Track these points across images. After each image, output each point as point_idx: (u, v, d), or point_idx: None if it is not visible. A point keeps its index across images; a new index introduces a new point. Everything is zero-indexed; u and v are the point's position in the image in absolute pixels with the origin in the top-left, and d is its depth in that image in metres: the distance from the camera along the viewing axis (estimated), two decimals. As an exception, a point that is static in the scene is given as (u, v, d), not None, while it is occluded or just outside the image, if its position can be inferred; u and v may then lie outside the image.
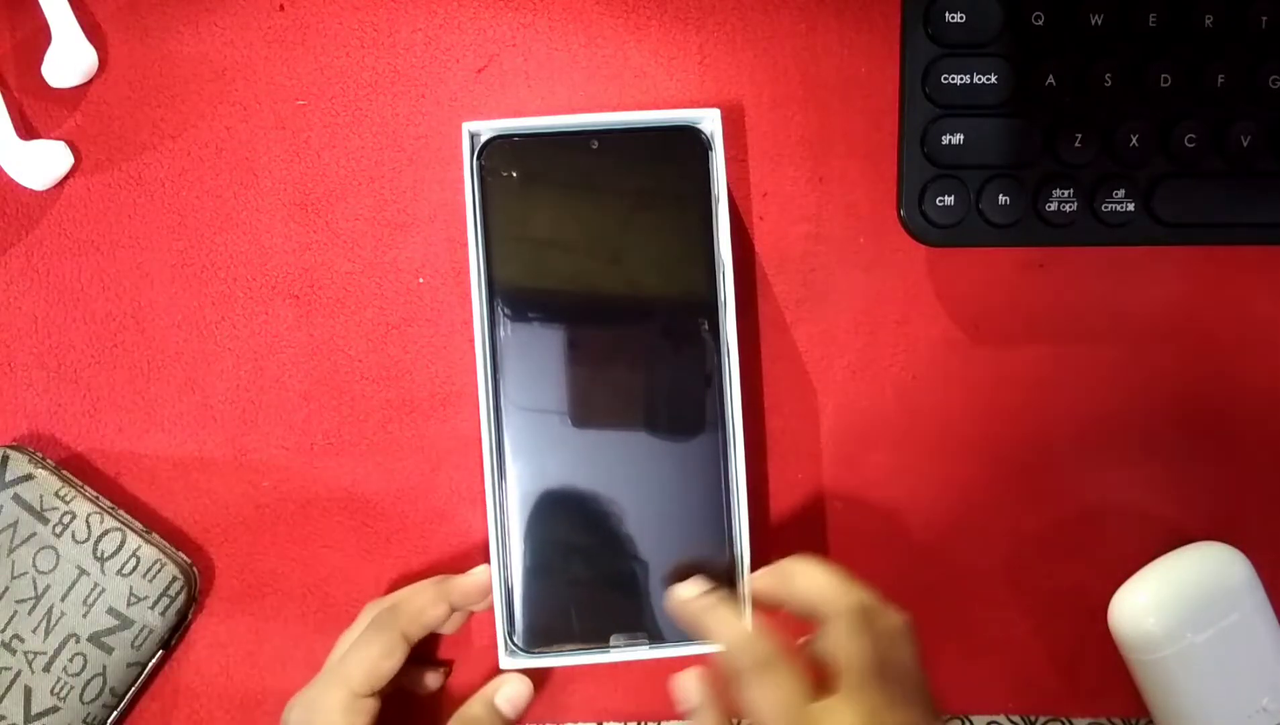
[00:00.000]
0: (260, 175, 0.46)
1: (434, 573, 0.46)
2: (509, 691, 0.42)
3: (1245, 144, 0.43)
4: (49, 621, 0.44)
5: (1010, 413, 0.47)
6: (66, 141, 0.46)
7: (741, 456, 0.42)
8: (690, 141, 0.42)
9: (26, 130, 0.46)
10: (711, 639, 0.39)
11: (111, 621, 0.44)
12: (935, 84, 0.43)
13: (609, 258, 0.42)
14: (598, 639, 0.42)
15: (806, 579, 0.39)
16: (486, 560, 0.44)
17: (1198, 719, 0.44)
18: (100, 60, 0.46)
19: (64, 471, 0.45)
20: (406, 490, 0.46)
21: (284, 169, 0.46)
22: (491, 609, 0.42)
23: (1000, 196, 0.43)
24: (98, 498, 0.45)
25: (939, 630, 0.47)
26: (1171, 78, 0.42)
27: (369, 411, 0.46)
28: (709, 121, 0.42)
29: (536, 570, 0.42)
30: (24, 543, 0.44)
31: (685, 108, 0.43)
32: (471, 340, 0.46)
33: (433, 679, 0.45)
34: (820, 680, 0.37)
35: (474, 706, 0.42)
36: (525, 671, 0.44)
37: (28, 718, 0.43)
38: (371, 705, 0.40)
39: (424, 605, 0.42)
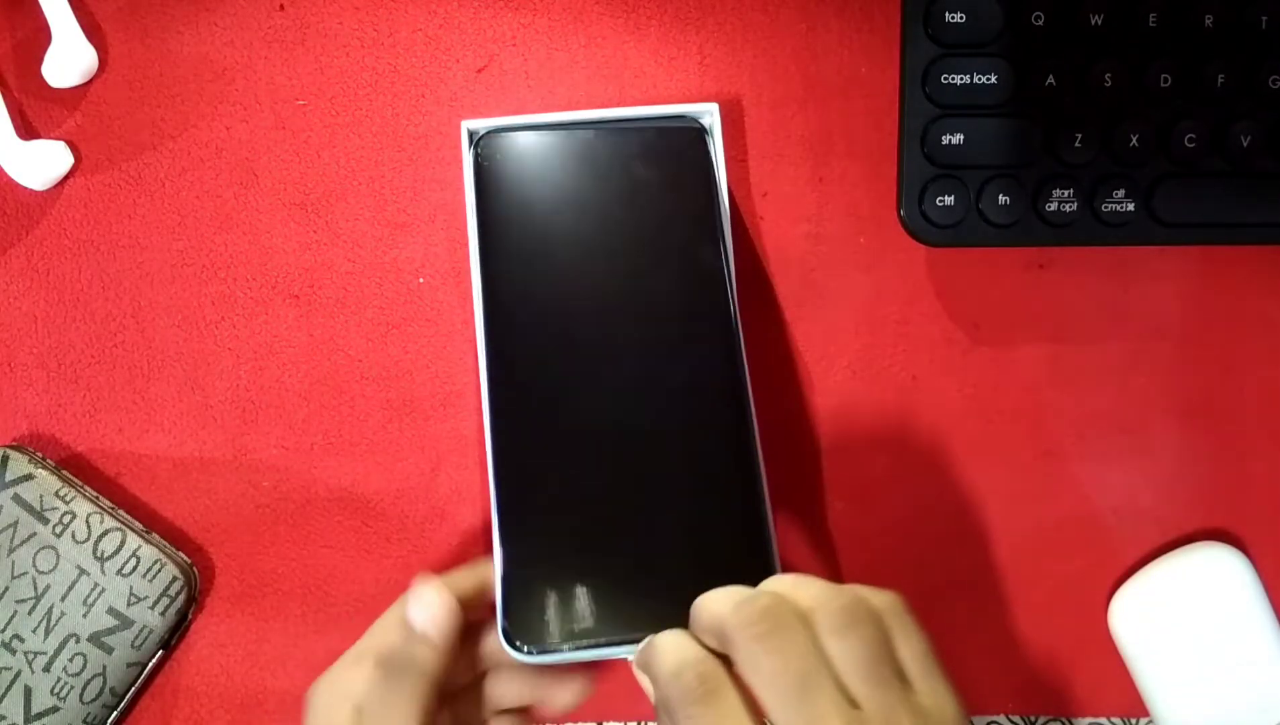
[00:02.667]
0: (260, 175, 0.46)
1: (434, 573, 0.46)
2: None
3: (1245, 144, 0.43)
4: (49, 621, 0.44)
5: (1010, 413, 0.47)
6: (66, 141, 0.46)
7: (757, 454, 0.41)
8: (690, 136, 0.42)
9: (26, 130, 0.46)
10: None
11: (111, 621, 0.44)
12: (935, 84, 0.43)
13: (609, 255, 0.42)
14: (601, 639, 0.42)
15: (706, 612, 0.33)
16: (489, 560, 0.44)
17: (1198, 719, 0.44)
18: (100, 60, 0.46)
19: (64, 471, 0.45)
20: (406, 490, 0.46)
21: (284, 169, 0.46)
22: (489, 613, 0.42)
23: (1000, 196, 0.43)
24: (98, 498, 0.45)
25: (939, 630, 0.47)
26: (1171, 78, 0.42)
27: (369, 411, 0.46)
28: (708, 116, 0.42)
29: (539, 570, 0.42)
30: (24, 543, 0.44)
31: (685, 107, 0.43)
32: (472, 340, 0.46)
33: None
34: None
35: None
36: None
37: (28, 718, 0.43)
38: None
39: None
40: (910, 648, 0.31)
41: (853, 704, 0.29)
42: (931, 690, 0.31)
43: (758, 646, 0.30)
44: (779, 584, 0.32)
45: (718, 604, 0.32)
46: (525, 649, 0.42)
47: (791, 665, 0.30)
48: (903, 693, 0.30)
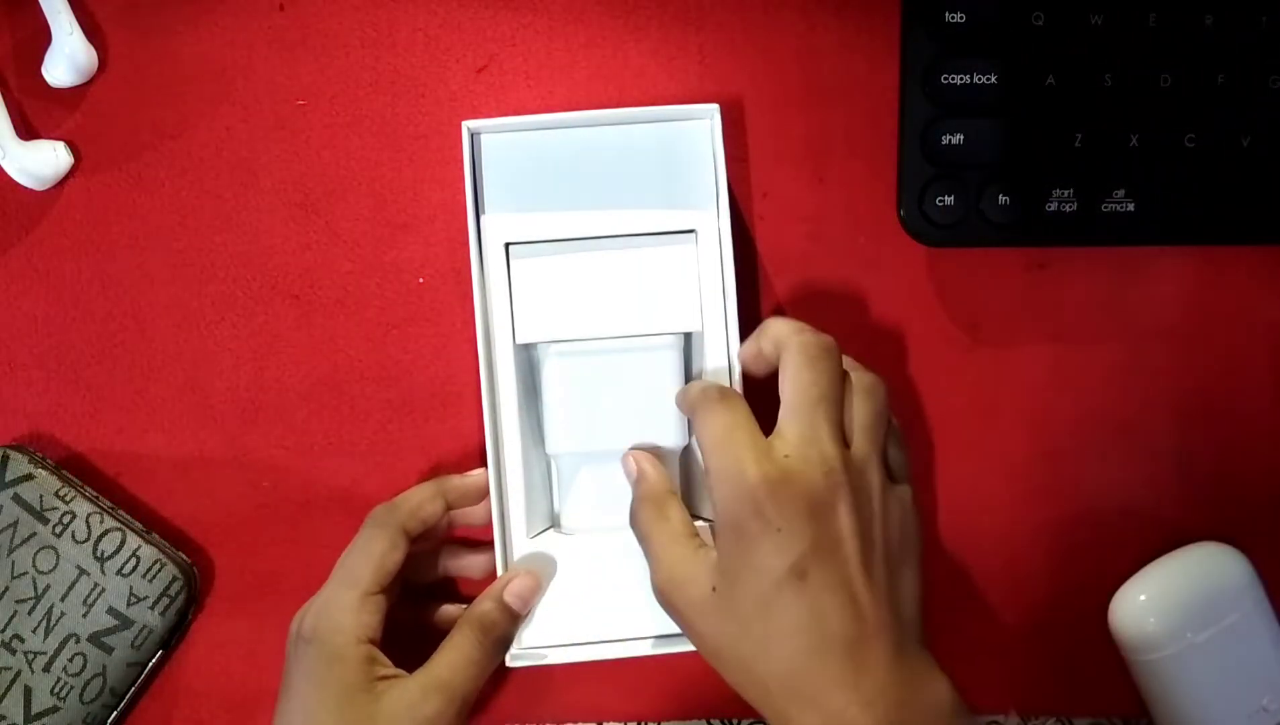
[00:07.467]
0: (260, 175, 0.46)
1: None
2: (517, 587, 0.41)
3: (1245, 144, 0.43)
4: (49, 621, 0.44)
5: (1010, 413, 0.47)
6: (66, 141, 0.46)
7: None
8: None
9: (26, 130, 0.46)
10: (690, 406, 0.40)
11: (111, 621, 0.44)
12: (935, 84, 0.43)
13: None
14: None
15: (775, 326, 0.40)
16: (489, 560, 0.44)
17: (1198, 719, 0.44)
18: (100, 60, 0.46)
19: (64, 471, 0.45)
20: (406, 490, 0.46)
21: (284, 169, 0.46)
22: (487, 517, 0.42)
23: (1000, 196, 0.43)
24: (98, 498, 0.45)
25: (939, 630, 0.47)
26: (1171, 78, 0.42)
27: (369, 411, 0.46)
28: (708, 116, 0.42)
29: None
30: (24, 543, 0.44)
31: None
32: (471, 340, 0.45)
33: (475, 562, 0.45)
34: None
35: (484, 603, 0.41)
36: (529, 669, 0.44)
37: (28, 718, 0.43)
38: (381, 602, 0.41)
39: (422, 500, 0.43)
40: (895, 447, 0.40)
41: (845, 443, 0.37)
42: (903, 476, 0.40)
43: (803, 358, 0.38)
44: (823, 337, 0.39)
45: (784, 326, 0.40)
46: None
47: (821, 385, 0.37)
48: (881, 457, 0.38)
